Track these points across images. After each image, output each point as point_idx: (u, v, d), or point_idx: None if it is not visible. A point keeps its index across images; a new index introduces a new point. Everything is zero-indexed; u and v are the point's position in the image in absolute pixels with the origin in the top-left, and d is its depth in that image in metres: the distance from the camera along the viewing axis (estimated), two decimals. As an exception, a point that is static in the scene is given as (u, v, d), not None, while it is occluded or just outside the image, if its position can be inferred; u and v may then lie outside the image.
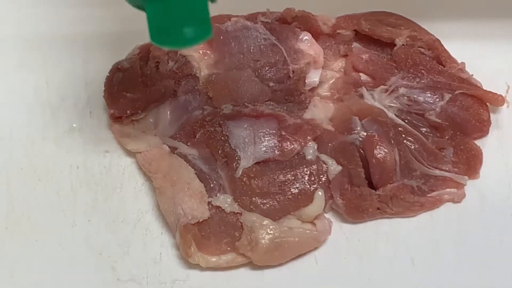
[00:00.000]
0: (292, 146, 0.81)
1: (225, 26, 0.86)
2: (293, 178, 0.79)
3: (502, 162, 0.83)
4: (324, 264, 0.78)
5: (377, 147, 0.80)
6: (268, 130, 0.81)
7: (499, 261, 0.78)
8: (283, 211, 0.78)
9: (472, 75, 0.86)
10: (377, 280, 0.77)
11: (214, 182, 0.80)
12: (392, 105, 0.84)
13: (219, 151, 0.81)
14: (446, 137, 0.83)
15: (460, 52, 0.87)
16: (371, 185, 0.80)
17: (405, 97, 0.84)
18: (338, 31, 0.89)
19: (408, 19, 0.89)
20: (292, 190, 0.79)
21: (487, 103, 0.84)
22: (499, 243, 0.79)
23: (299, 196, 0.79)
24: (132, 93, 0.83)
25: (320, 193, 0.78)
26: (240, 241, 0.76)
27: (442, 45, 0.87)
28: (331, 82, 0.88)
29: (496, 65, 0.89)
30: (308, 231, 0.77)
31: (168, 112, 0.84)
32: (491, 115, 0.84)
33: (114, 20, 0.92)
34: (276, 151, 0.80)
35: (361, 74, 0.87)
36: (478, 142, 0.84)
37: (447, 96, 0.84)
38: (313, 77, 0.86)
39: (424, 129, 0.83)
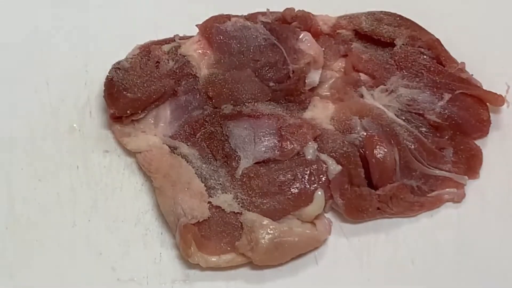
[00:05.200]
0: (292, 146, 0.81)
1: (225, 26, 0.86)
2: (293, 178, 0.79)
3: (502, 162, 0.83)
4: (324, 264, 0.78)
5: (377, 147, 0.80)
6: (268, 130, 0.81)
7: (499, 261, 0.78)
8: (283, 211, 0.78)
9: (472, 75, 0.86)
10: (377, 280, 0.77)
11: (214, 182, 0.80)
12: (392, 105, 0.84)
13: (219, 151, 0.81)
14: (446, 137, 0.83)
15: (460, 52, 0.87)
16: (371, 185, 0.80)
17: (405, 97, 0.84)
18: (338, 31, 0.89)
19: (408, 19, 0.89)
20: (292, 190, 0.79)
21: (487, 103, 0.84)
22: (499, 243, 0.79)
23: (299, 196, 0.78)
24: (132, 93, 0.83)
25: (320, 193, 0.78)
26: (240, 241, 0.76)
27: (442, 45, 0.87)
28: (331, 82, 0.88)
29: (496, 65, 0.89)
30: (308, 231, 0.77)
31: (168, 112, 0.84)
32: (491, 115, 0.84)
33: (114, 20, 0.92)
34: (276, 151, 0.80)
35: (361, 74, 0.87)
36: (478, 142, 0.84)
37: (447, 96, 0.84)
38: (313, 77, 0.86)
39: (424, 129, 0.83)
